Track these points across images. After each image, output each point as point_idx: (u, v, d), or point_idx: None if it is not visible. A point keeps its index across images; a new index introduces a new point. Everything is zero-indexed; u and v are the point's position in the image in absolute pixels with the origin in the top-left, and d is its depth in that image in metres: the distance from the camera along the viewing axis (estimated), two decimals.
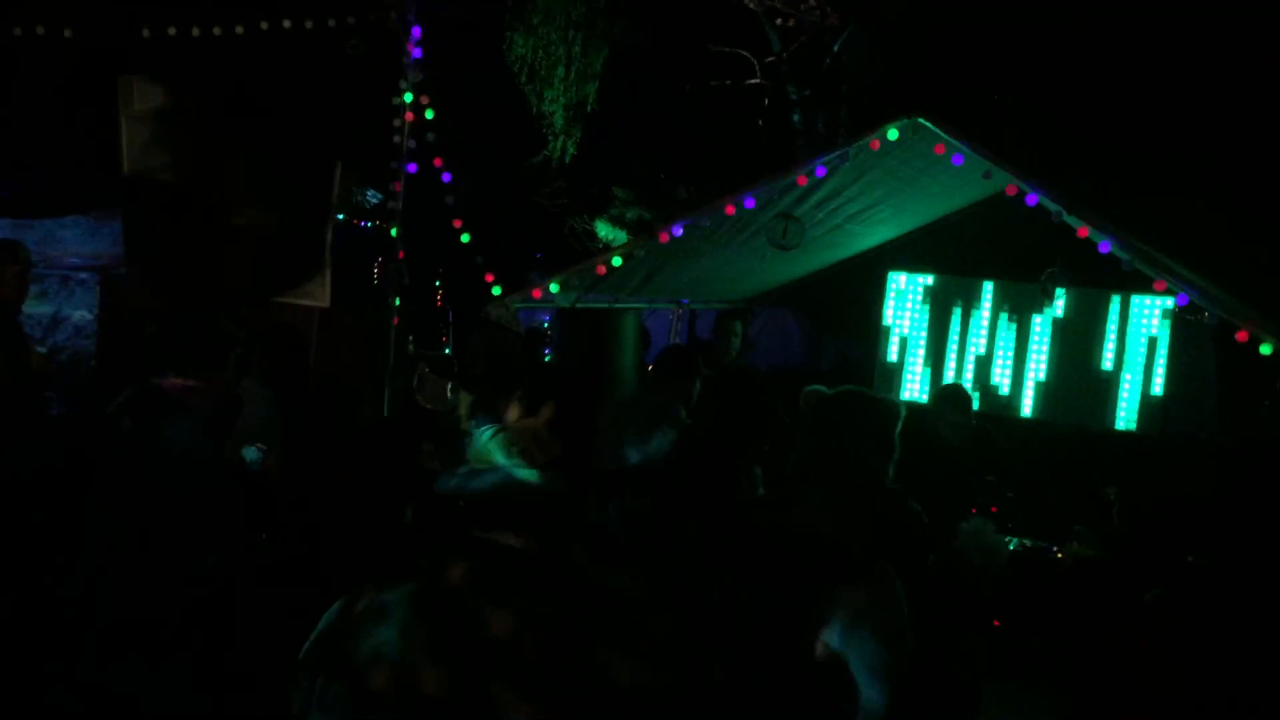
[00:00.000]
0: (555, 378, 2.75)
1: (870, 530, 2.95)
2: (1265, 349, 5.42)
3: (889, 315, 8.66)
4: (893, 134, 5.86)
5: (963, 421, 6.24)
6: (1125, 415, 8.04)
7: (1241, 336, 5.54)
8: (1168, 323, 7.85)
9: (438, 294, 12.77)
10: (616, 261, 6.56)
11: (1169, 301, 7.69)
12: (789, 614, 2.82)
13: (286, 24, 7.21)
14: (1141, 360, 7.97)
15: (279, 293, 6.80)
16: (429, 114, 7.13)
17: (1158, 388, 7.95)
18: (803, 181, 6.22)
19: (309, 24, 7.22)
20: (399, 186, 7.20)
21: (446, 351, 11.63)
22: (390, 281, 7.27)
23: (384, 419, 6.97)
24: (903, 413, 3.43)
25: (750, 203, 6.23)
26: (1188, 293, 5.65)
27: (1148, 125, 10.00)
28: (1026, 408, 8.28)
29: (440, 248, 8.71)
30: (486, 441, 2.23)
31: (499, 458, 2.23)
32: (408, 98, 7.09)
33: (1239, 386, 7.91)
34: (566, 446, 2.26)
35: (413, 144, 7.15)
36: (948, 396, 6.45)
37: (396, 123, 7.17)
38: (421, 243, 8.20)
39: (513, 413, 2.40)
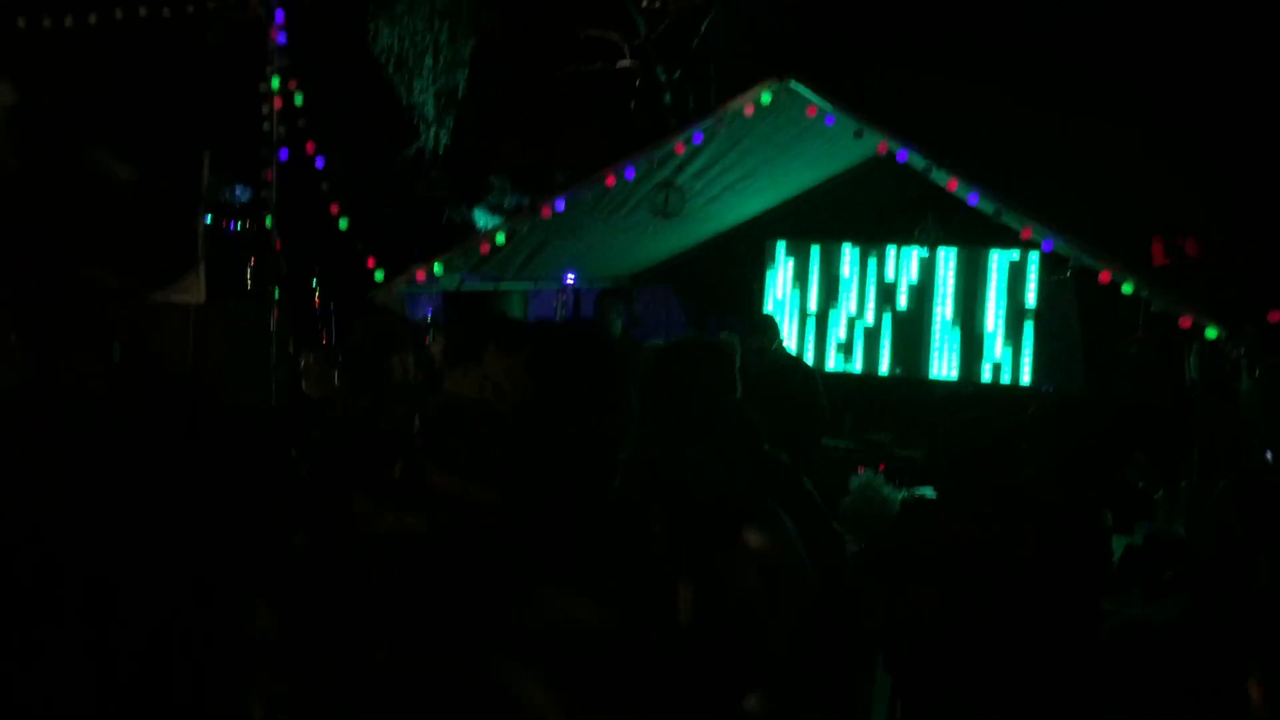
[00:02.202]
0: (536, 329, 2.75)
1: (749, 470, 3.00)
2: (1126, 288, 5.68)
3: (769, 285, 8.83)
4: (765, 97, 5.96)
5: (757, 346, 5.99)
6: (994, 369, 8.36)
7: (1104, 278, 5.80)
8: (1036, 278, 8.17)
9: (315, 289, 12.49)
10: (500, 239, 6.53)
11: (1035, 255, 8.03)
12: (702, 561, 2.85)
13: (143, 12, 6.97)
14: (1011, 315, 8.28)
15: (152, 289, 6.58)
16: (298, 99, 6.96)
17: (1028, 342, 8.27)
18: (680, 150, 6.28)
19: (166, 11, 6.99)
20: (271, 175, 7.02)
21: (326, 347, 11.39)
22: (268, 273, 7.10)
23: (268, 409, 6.81)
24: (739, 347, 3.46)
25: (630, 173, 6.27)
26: (1052, 239, 5.89)
27: (1009, 66, 10.31)
28: (928, 367, 8.53)
29: (316, 238, 8.52)
30: None
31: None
32: (275, 84, 6.92)
33: (1102, 335, 8.29)
34: (540, 391, 2.23)
35: (283, 131, 6.98)
36: (749, 324, 6.38)
37: (265, 110, 6.99)
38: (297, 234, 8.02)
39: (490, 353, 2.37)
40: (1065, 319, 8.26)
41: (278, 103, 6.95)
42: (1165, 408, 6.47)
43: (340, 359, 6.44)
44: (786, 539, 2.95)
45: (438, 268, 6.63)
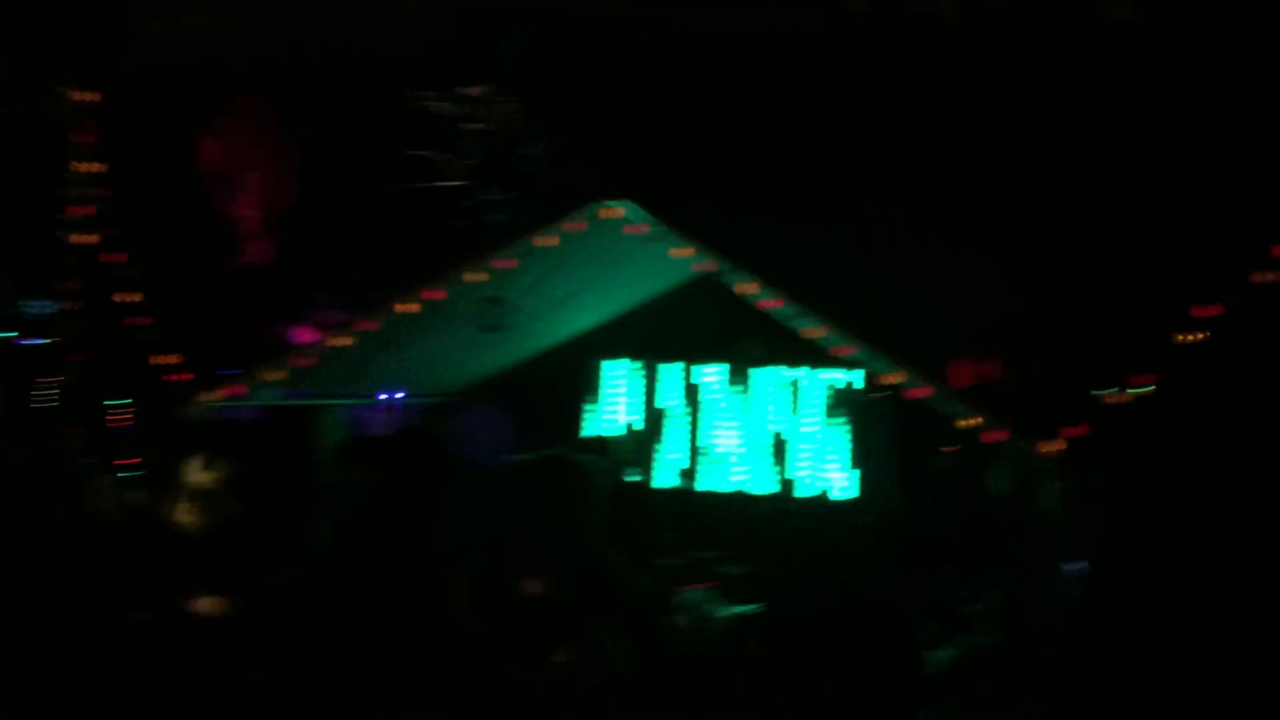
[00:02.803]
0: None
1: (575, 588, 3.05)
2: (939, 404, 5.94)
3: (596, 403, 8.88)
4: (594, 216, 6.06)
5: (601, 466, 6.15)
6: (814, 483, 8.56)
7: (919, 394, 6.04)
8: (852, 395, 8.46)
9: (119, 408, 11.83)
10: (323, 354, 6.36)
11: (853, 372, 8.34)
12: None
13: None
14: (830, 431, 8.54)
15: None
16: (109, 206, 6.69)
17: (846, 458, 8.52)
18: (509, 265, 6.29)
19: None
20: (77, 284, 6.68)
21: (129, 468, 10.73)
22: (70, 392, 6.70)
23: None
24: (589, 470, 3.58)
25: (456, 288, 6.23)
26: (873, 359, 6.12)
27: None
28: (749, 485, 8.65)
29: (123, 352, 8.11)
30: None
31: None
32: (81, 187, 6.63)
33: (916, 450, 8.61)
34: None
35: (93, 238, 6.67)
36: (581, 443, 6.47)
37: (69, 218, 6.68)
38: (102, 349, 7.62)
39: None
40: (882, 435, 8.57)
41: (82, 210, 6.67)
42: (971, 520, 6.71)
43: (144, 478, 6.11)
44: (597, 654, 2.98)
45: (258, 382, 6.39)
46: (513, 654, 2.78)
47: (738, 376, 8.64)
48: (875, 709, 3.64)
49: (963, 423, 6.01)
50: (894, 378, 6.12)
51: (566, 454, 3.74)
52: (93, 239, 6.64)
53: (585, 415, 8.90)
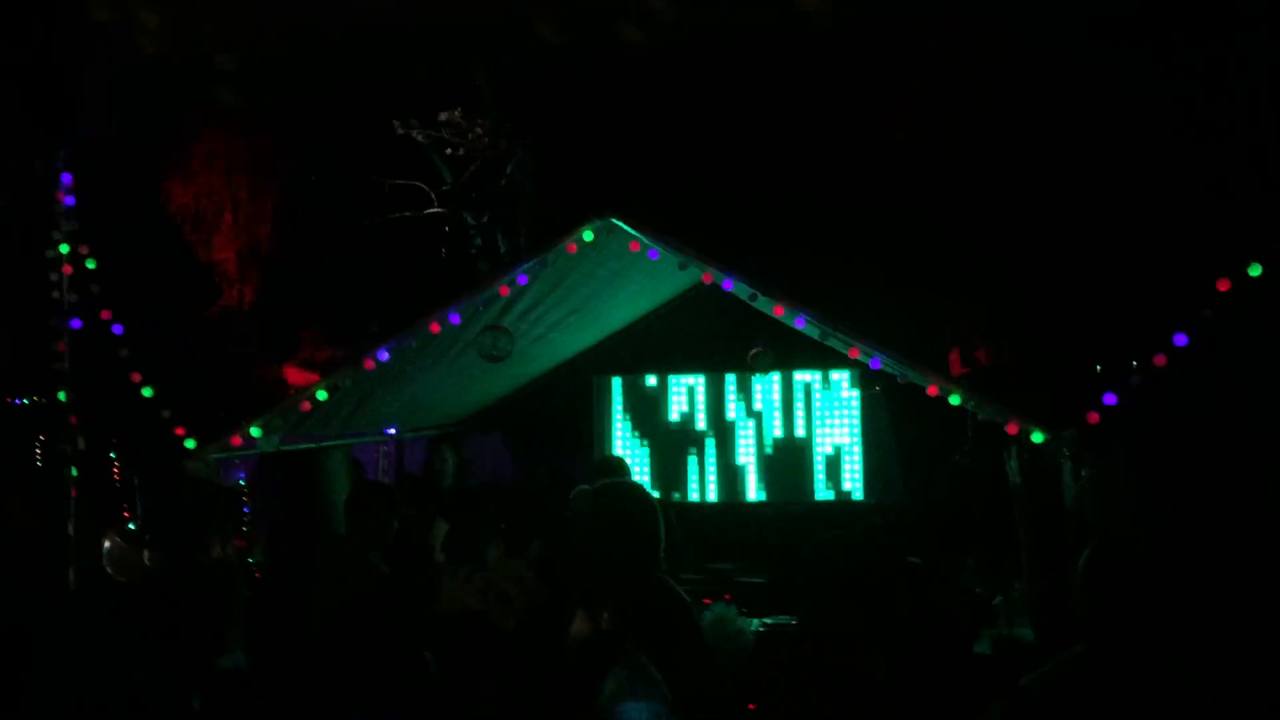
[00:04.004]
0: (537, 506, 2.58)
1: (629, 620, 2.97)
2: (954, 400, 5.84)
3: (598, 422, 8.78)
4: (588, 235, 5.94)
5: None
6: (826, 486, 8.48)
7: (931, 391, 5.94)
8: (857, 393, 8.40)
9: (113, 464, 11.67)
10: (322, 395, 6.21)
11: (855, 374, 8.27)
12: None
13: None
14: (838, 431, 8.46)
15: None
16: (90, 264, 6.54)
17: (856, 457, 8.45)
18: (505, 292, 6.18)
19: None
20: (63, 346, 6.52)
21: (131, 526, 10.59)
22: (66, 451, 6.54)
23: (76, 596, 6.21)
24: (658, 506, 3.52)
25: (455, 318, 6.10)
26: (880, 357, 6.01)
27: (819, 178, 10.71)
28: (751, 491, 8.58)
29: (114, 408, 7.95)
30: None
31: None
32: (64, 249, 6.48)
33: (917, 449, 8.56)
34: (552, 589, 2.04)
35: (74, 299, 6.52)
36: (596, 467, 6.41)
37: (54, 277, 6.52)
38: (93, 405, 7.46)
39: (493, 551, 2.16)
40: (881, 433, 8.52)
41: (67, 269, 6.52)
42: (990, 512, 6.62)
43: (148, 538, 5.95)
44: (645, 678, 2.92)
45: (255, 430, 6.24)
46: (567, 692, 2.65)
47: (748, 384, 8.56)
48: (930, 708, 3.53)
49: (978, 414, 5.91)
50: (905, 373, 6.01)
51: (628, 481, 3.70)
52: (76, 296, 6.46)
53: (585, 435, 8.80)
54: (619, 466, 6.28)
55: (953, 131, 9.64)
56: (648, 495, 3.53)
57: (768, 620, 6.76)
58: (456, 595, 2.15)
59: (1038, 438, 5.69)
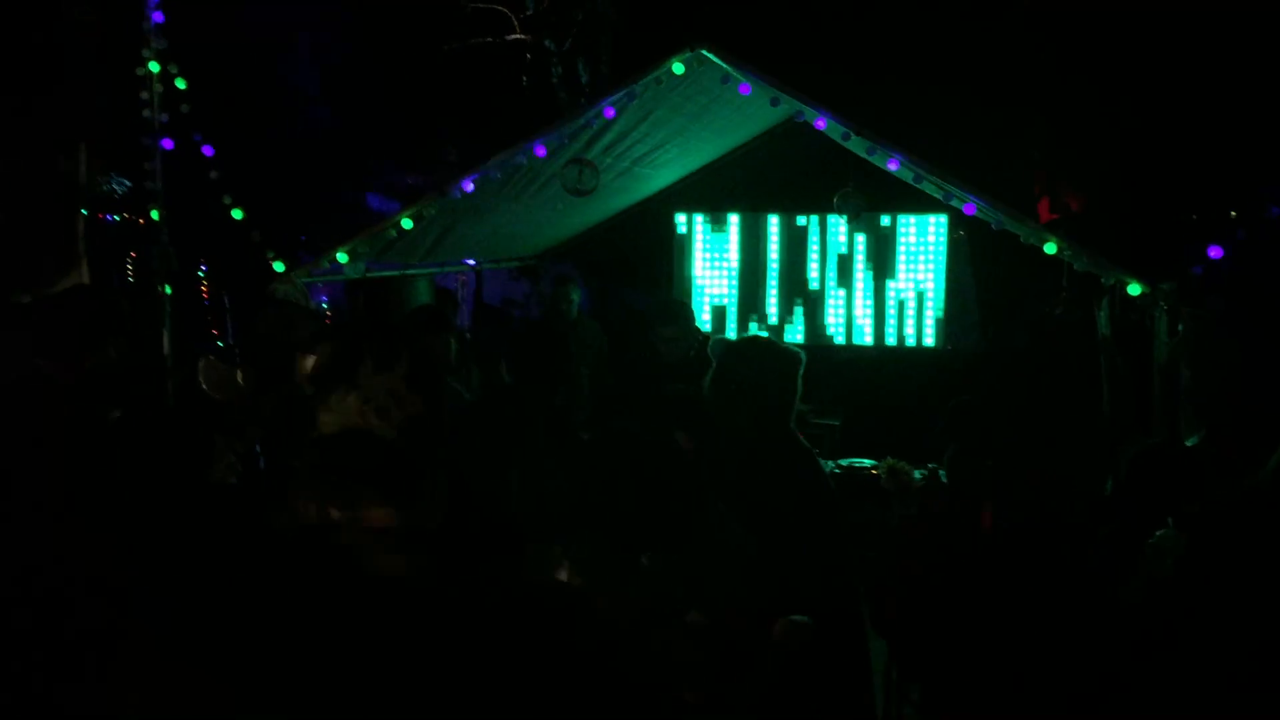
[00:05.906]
0: (403, 329, 2.54)
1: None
2: (1050, 249, 5.68)
3: (681, 260, 8.73)
4: (678, 68, 5.76)
5: (670, 335, 6.00)
6: (920, 333, 8.41)
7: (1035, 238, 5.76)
8: (943, 238, 8.24)
9: (202, 283, 11.93)
10: (407, 223, 6.23)
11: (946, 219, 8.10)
12: None
13: None
14: (930, 278, 8.35)
15: (31, 291, 6.11)
16: (180, 83, 6.52)
17: (940, 304, 8.34)
18: (592, 124, 6.06)
19: None
20: (155, 165, 6.57)
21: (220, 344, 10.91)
22: (159, 267, 6.66)
23: (167, 411, 6.42)
24: (804, 359, 3.53)
25: (541, 150, 6.02)
26: (974, 203, 5.84)
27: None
28: (840, 336, 8.55)
29: (205, 230, 8.07)
30: None
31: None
32: (154, 67, 6.46)
33: (999, 298, 8.42)
34: (426, 402, 2.06)
35: (165, 118, 6.53)
36: (657, 311, 6.27)
37: (144, 96, 6.53)
38: (184, 226, 7.58)
39: (364, 369, 2.16)
40: (962, 280, 8.39)
41: (157, 87, 6.51)
42: (1085, 366, 6.53)
43: (240, 357, 6.11)
44: None
45: (342, 256, 6.30)
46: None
47: (834, 225, 8.43)
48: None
49: (1074, 265, 5.75)
50: (1000, 220, 5.84)
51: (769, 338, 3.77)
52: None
53: (663, 274, 8.77)
54: (681, 310, 6.27)
55: None
56: (791, 352, 3.59)
57: (842, 462, 6.84)
58: (335, 416, 2.13)
59: (1134, 289, 5.54)
